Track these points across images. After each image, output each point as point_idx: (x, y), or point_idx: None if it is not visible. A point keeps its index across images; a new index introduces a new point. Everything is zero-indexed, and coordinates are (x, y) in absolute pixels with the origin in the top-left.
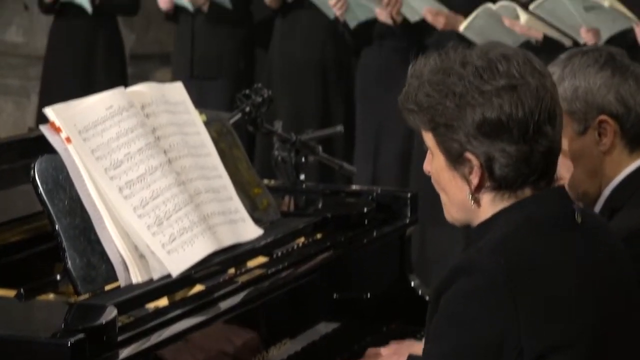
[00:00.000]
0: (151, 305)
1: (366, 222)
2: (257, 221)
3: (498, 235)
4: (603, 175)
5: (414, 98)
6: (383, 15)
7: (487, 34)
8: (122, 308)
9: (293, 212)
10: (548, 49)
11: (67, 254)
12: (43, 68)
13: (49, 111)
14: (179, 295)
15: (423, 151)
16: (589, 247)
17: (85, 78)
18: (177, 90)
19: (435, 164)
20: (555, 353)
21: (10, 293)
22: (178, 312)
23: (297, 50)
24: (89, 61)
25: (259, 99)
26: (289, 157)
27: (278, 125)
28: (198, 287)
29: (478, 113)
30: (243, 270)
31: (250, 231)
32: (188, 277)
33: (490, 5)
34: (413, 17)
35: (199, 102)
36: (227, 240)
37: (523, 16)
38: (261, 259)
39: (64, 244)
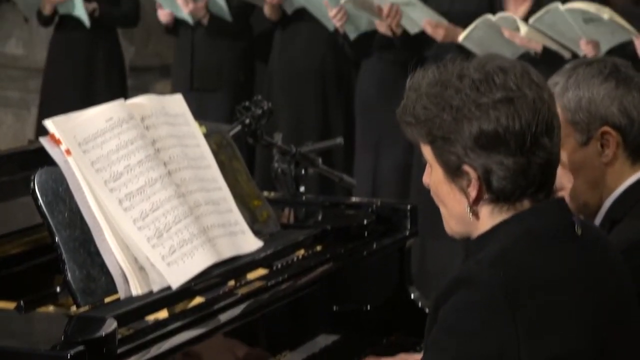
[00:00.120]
0: (151, 318)
1: (366, 234)
2: (257, 233)
3: (497, 248)
4: (604, 187)
5: (411, 111)
6: (383, 27)
7: (487, 44)
8: (121, 320)
9: (293, 224)
10: (547, 60)
11: (66, 266)
12: (43, 80)
13: (49, 123)
14: (178, 308)
15: (423, 163)
16: (589, 260)
17: (85, 90)
18: (177, 103)
19: (433, 176)
20: None
21: (10, 305)
22: (178, 324)
23: (297, 62)
24: (88, 73)
25: (259, 111)
26: (288, 169)
27: (278, 138)
28: (198, 299)
29: (475, 126)
30: (243, 282)
31: (250, 243)
32: (188, 289)
33: (489, 16)
34: (413, 29)
35: (199, 114)
36: (227, 253)
37: (523, 28)
38: (261, 271)
39: (64, 256)
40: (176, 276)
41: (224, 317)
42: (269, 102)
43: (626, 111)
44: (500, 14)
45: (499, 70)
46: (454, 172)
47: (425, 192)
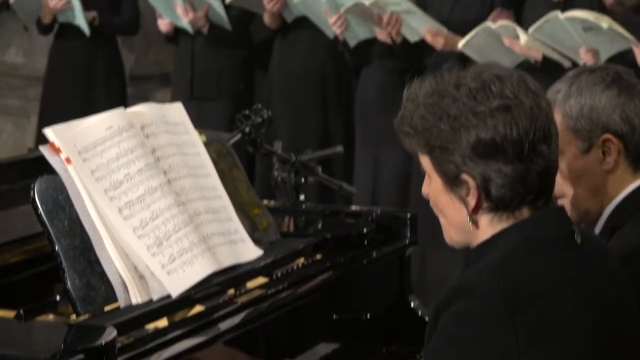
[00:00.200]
0: (151, 326)
1: (366, 242)
2: (257, 242)
3: (497, 257)
4: (605, 194)
5: (409, 121)
6: (383, 34)
7: (486, 52)
8: (121, 329)
9: (293, 232)
10: (547, 69)
11: (66, 275)
12: (43, 89)
13: (49, 132)
14: (178, 316)
15: (422, 172)
16: (589, 268)
17: (85, 99)
18: (176, 111)
19: (432, 186)
20: None
21: (10, 314)
22: (178, 332)
23: (296, 70)
24: (88, 82)
25: (259, 120)
26: (288, 177)
27: (278, 146)
28: (198, 308)
29: (472, 134)
30: (243, 290)
31: (250, 252)
32: (188, 298)
33: (489, 24)
34: (412, 37)
35: (199, 122)
36: (227, 261)
37: (523, 37)
38: (261, 280)
39: (64, 264)
40: (176, 285)
41: (223, 325)
42: (269, 110)
43: (628, 119)
44: (500, 22)
45: (495, 78)
46: (452, 182)
47: (425, 200)
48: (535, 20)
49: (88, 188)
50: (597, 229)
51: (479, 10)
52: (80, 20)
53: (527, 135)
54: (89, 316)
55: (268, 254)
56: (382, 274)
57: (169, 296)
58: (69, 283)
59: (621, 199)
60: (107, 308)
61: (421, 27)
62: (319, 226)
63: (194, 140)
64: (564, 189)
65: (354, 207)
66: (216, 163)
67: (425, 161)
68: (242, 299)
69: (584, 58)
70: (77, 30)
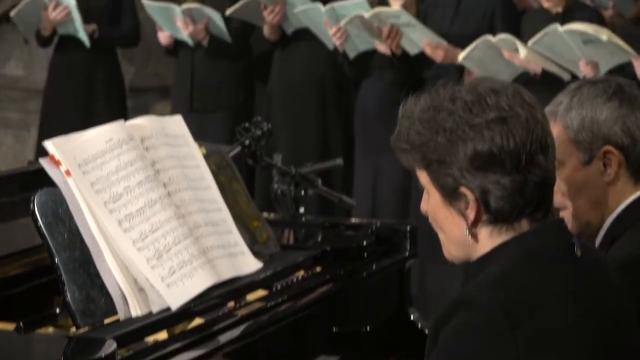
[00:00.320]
0: (150, 339)
1: (365, 255)
2: (257, 254)
3: (497, 270)
4: (606, 206)
5: (405, 137)
6: (382, 46)
7: (486, 65)
8: (121, 341)
9: (292, 245)
10: (547, 82)
11: (66, 287)
12: (43, 101)
13: (49, 144)
14: (178, 329)
15: (421, 186)
16: (588, 281)
17: (85, 111)
18: (176, 124)
19: (431, 202)
20: None
21: (10, 326)
22: (177, 345)
23: (296, 82)
24: (88, 94)
25: (259, 132)
26: (288, 190)
27: (277, 159)
28: (197, 321)
29: (470, 147)
30: (242, 303)
31: (250, 264)
32: (187, 311)
33: (489, 37)
34: (412, 50)
35: (199, 135)
36: (227, 274)
37: (522, 50)
38: (260, 292)
39: (64, 277)
40: (176, 297)
41: (223, 338)
42: (269, 123)
43: (629, 131)
44: (500, 36)
45: (490, 91)
46: (451, 195)
47: None
48: (533, 32)
49: (88, 200)
50: (598, 240)
51: (478, 24)
52: (81, 32)
53: (524, 146)
54: (89, 329)
55: (268, 266)
56: (382, 286)
57: (168, 309)
58: (68, 295)
59: (621, 210)
60: (106, 321)
61: (421, 39)
62: (319, 238)
63: (194, 152)
64: (564, 201)
65: (353, 220)
66: (216, 175)
67: (423, 176)
68: (241, 312)
69: (584, 71)
70: (77, 42)
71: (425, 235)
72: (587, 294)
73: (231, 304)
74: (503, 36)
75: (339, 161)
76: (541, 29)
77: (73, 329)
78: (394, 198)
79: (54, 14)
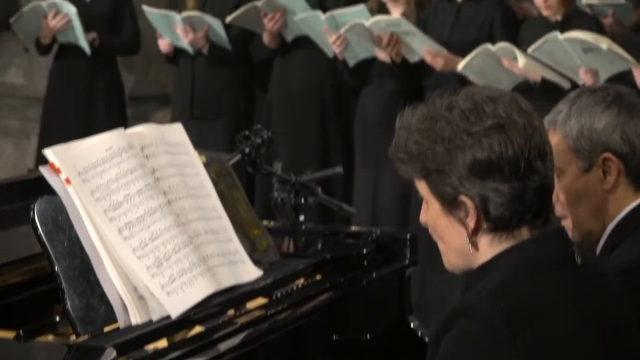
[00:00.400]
0: (150, 347)
1: (365, 263)
2: (257, 262)
3: (497, 278)
4: (607, 214)
5: (403, 147)
6: (382, 54)
7: (486, 74)
8: (121, 349)
9: (292, 253)
10: (546, 90)
11: (66, 295)
12: (43, 109)
13: (49, 152)
14: (178, 337)
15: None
16: (589, 289)
17: (85, 119)
18: (176, 132)
19: (430, 212)
20: None
21: (10, 334)
22: (177, 353)
23: (296, 89)
24: (88, 102)
25: (259, 140)
26: (288, 198)
27: (277, 167)
28: (197, 329)
29: (468, 154)
30: (242, 311)
31: (250, 272)
32: (187, 319)
33: (489, 46)
34: (412, 58)
35: (199, 143)
36: (227, 282)
37: (521, 59)
38: (261, 300)
39: (64, 285)
40: (175, 305)
41: (223, 346)
42: (269, 131)
43: (628, 139)
44: (499, 44)
45: (487, 99)
46: (450, 204)
47: None
48: (532, 40)
49: (88, 209)
50: (598, 248)
51: (478, 32)
52: (81, 40)
53: (522, 153)
54: (89, 337)
55: (268, 274)
56: (382, 294)
57: (168, 317)
58: (68, 304)
59: (622, 217)
60: (106, 329)
61: (421, 47)
62: (319, 247)
63: (194, 160)
64: (565, 210)
65: (353, 228)
66: (216, 183)
67: (422, 187)
68: (241, 320)
69: (584, 78)
70: (77, 50)
71: (425, 243)
72: (588, 302)
73: (231, 312)
74: (502, 45)
75: (339, 169)
76: (540, 37)
77: (73, 337)
78: (394, 206)
79: (53, 22)
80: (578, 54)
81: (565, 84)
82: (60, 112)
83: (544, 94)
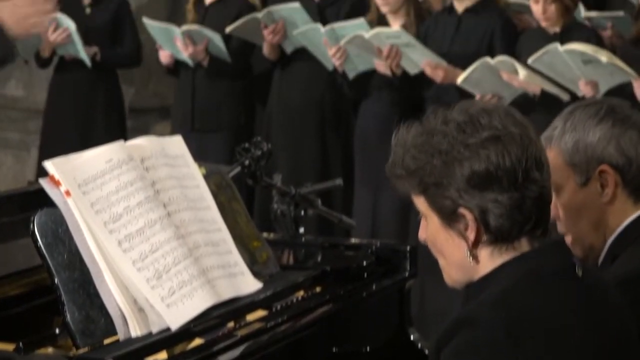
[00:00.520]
0: (150, 359)
1: (365, 275)
2: (257, 274)
3: (498, 290)
4: (607, 227)
5: (400, 164)
6: (382, 66)
7: (485, 86)
8: None
9: (292, 265)
10: (546, 102)
11: (66, 308)
12: (43, 122)
13: (49, 165)
14: (178, 349)
15: None
16: (590, 300)
17: (85, 131)
18: (176, 144)
19: (430, 227)
20: None
21: (9, 347)
22: None
23: (295, 101)
24: (88, 115)
25: (259, 153)
26: (288, 210)
27: (277, 179)
28: (197, 341)
29: (466, 167)
30: (242, 323)
31: (250, 284)
32: (187, 331)
33: (488, 59)
34: (412, 70)
35: (199, 155)
36: (227, 294)
37: (521, 71)
38: (260, 313)
39: (63, 297)
40: (175, 317)
41: (223, 358)
42: (269, 143)
43: (623, 150)
44: (499, 57)
45: (482, 112)
46: (450, 217)
47: None
48: (530, 52)
49: (88, 221)
50: (599, 260)
51: (478, 44)
52: (82, 52)
53: (519, 164)
54: (89, 349)
55: (267, 286)
56: (382, 306)
57: (168, 329)
58: (68, 316)
59: (622, 229)
60: (106, 341)
61: (421, 59)
62: (319, 259)
63: (194, 173)
64: (566, 225)
65: (353, 240)
66: (216, 196)
67: (420, 202)
68: (241, 332)
69: (584, 90)
70: (77, 63)
71: (425, 256)
72: (589, 314)
73: (231, 324)
74: (502, 58)
75: (339, 181)
76: (538, 48)
77: (73, 350)
78: (393, 218)
79: (53, 36)
80: (578, 65)
81: (565, 97)
82: (60, 124)
83: (543, 106)
